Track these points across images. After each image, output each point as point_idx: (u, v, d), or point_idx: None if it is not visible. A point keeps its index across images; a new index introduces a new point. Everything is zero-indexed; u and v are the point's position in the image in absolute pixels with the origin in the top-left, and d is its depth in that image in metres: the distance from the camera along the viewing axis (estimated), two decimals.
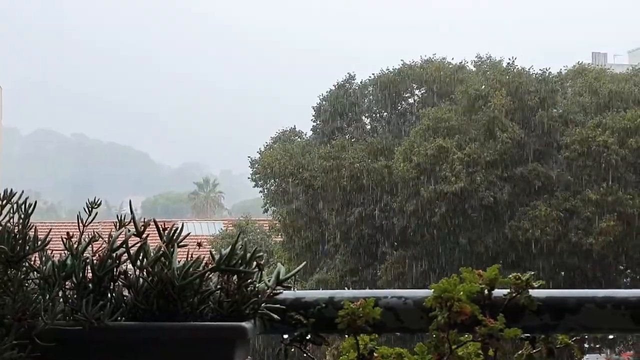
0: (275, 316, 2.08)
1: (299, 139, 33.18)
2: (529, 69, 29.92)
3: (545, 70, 30.32)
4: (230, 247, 1.97)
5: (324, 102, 33.22)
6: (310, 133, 33.71)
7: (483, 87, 29.03)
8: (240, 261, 1.98)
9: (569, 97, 29.70)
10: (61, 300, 1.91)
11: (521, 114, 28.08)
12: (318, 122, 33.32)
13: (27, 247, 1.88)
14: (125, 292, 2.01)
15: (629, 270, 29.28)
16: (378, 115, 33.60)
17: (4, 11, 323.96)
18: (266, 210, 33.65)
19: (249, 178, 32.94)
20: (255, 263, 2.01)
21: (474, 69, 32.67)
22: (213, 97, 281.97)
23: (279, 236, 34.49)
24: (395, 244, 28.72)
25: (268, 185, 32.16)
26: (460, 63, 33.06)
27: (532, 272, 2.12)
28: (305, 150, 31.13)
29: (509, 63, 30.66)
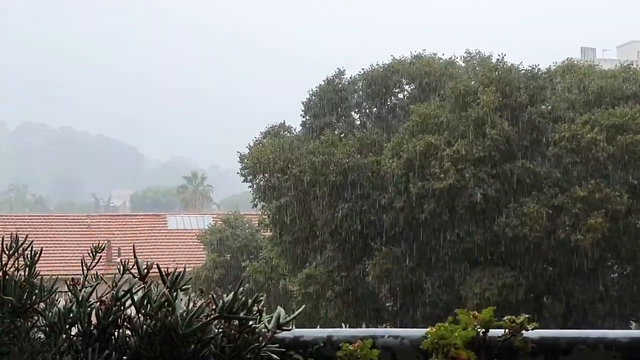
0: (275, 356, 2.12)
1: (288, 134, 33.15)
2: (518, 65, 29.84)
3: (534, 66, 30.26)
4: (232, 294, 2.00)
5: (313, 97, 33.18)
6: (299, 128, 33.67)
7: (472, 83, 29.02)
8: (242, 307, 2.02)
9: (558, 94, 29.69)
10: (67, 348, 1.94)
11: (510, 111, 28.08)
12: (307, 118, 33.29)
13: (34, 297, 1.91)
14: (127, 332, 2.04)
15: (616, 267, 29.39)
16: (367, 110, 33.58)
17: (3, 11, 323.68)
18: (255, 205, 33.57)
19: (238, 173, 32.83)
20: (256, 308, 2.05)
21: (463, 64, 32.65)
22: (213, 96, 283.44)
23: (268, 231, 34.52)
24: (384, 239, 28.76)
25: (257, 180, 32.09)
26: (450, 59, 33.05)
27: (527, 315, 2.16)
28: (294, 145, 31.09)
29: (498, 59, 30.59)
